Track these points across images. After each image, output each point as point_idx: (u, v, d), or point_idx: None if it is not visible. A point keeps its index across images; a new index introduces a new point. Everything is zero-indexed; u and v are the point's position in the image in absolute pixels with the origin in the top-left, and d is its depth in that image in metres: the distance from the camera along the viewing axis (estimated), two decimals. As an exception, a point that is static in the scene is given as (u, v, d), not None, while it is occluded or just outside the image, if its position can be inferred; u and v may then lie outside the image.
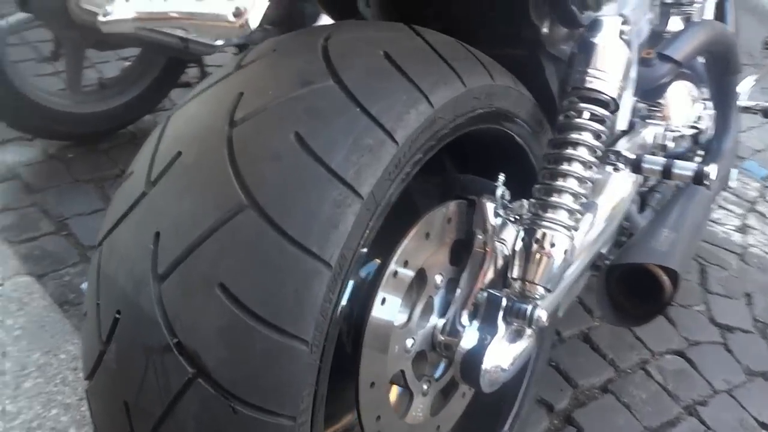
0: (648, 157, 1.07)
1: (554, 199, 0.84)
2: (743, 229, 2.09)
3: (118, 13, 0.65)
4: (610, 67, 0.88)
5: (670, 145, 1.33)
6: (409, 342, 0.83)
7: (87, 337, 0.68)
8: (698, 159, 1.58)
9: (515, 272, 0.84)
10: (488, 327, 0.84)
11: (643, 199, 1.49)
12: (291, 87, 0.68)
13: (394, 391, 0.86)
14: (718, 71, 1.50)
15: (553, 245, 0.83)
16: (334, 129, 0.65)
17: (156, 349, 0.61)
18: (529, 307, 0.83)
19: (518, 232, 0.84)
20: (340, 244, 0.61)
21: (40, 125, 1.65)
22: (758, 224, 2.15)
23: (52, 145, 1.75)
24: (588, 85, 0.87)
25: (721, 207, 2.17)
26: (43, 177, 1.64)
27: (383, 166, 0.65)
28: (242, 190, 0.62)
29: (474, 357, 0.82)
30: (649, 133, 1.30)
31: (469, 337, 0.84)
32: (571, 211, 0.85)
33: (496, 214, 0.87)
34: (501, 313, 0.84)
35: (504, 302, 0.84)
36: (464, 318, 0.86)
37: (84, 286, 1.30)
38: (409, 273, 0.80)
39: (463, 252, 0.90)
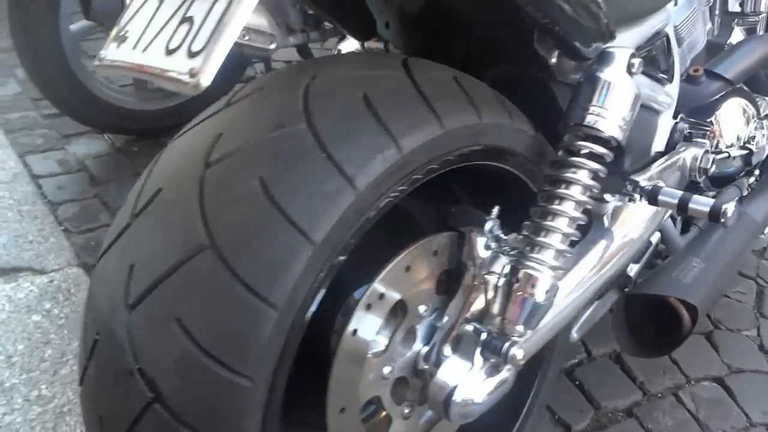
0: (666, 189, 1.03)
1: (541, 238, 0.84)
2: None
3: (110, 59, 0.70)
4: (613, 105, 0.86)
5: (714, 168, 1.26)
6: (386, 369, 0.86)
7: (80, 348, 0.76)
8: (753, 180, 1.49)
9: (496, 308, 0.85)
10: (465, 359, 0.85)
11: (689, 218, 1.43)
12: (265, 129, 0.71)
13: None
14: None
15: (533, 286, 0.82)
16: (297, 175, 0.68)
17: (123, 372, 0.67)
18: (506, 345, 0.83)
19: (503, 267, 0.85)
20: (289, 288, 0.65)
21: (107, 121, 1.77)
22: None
23: (119, 139, 1.88)
24: (588, 123, 0.85)
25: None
26: (107, 170, 1.77)
27: (339, 212, 0.67)
28: (205, 230, 0.66)
29: (446, 387, 0.83)
30: (688, 155, 1.24)
31: (446, 367, 0.85)
32: (558, 252, 0.84)
33: (487, 247, 0.88)
34: (479, 348, 0.85)
35: (482, 336, 0.85)
36: (447, 348, 0.88)
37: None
38: (384, 306, 0.82)
39: (454, 282, 0.91)
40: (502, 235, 0.88)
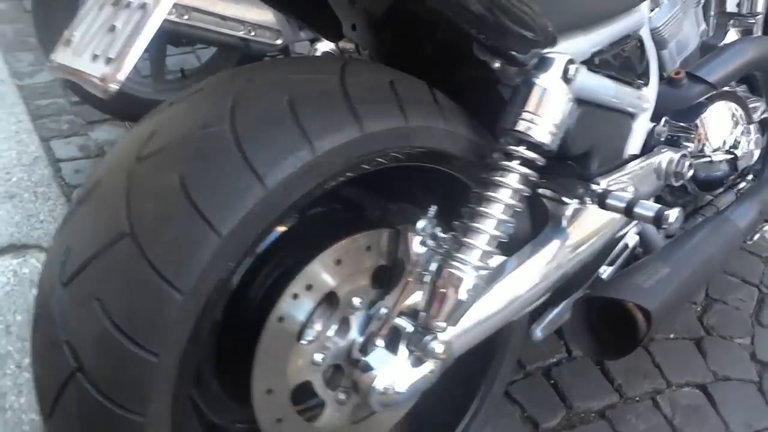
0: (614, 193, 1.03)
1: (467, 238, 0.87)
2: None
3: (57, 62, 0.77)
4: (545, 111, 0.88)
5: (691, 172, 1.25)
6: (318, 356, 0.91)
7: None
8: (743, 186, 1.47)
9: (422, 304, 0.88)
10: (391, 351, 0.89)
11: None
12: (193, 128, 0.77)
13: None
14: (775, 92, 1.37)
15: (455, 284, 0.86)
16: (213, 171, 0.73)
17: (55, 343, 0.75)
18: (427, 339, 0.87)
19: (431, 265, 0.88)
20: (195, 275, 0.71)
21: (125, 110, 1.87)
22: None
23: (139, 126, 1.98)
24: (519, 128, 0.87)
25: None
26: (125, 155, 1.87)
27: (247, 208, 0.72)
28: (127, 219, 0.73)
29: (369, 375, 0.88)
30: (664, 159, 1.23)
31: (372, 357, 0.90)
32: (484, 252, 0.87)
33: (423, 245, 0.91)
34: (405, 340, 0.89)
35: (408, 329, 0.89)
36: (379, 340, 0.92)
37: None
38: (312, 296, 0.87)
39: (392, 277, 0.95)
40: (439, 233, 0.91)
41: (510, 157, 0.88)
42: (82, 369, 0.72)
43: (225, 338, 0.88)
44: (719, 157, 1.32)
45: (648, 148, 1.26)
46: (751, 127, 1.36)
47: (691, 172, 1.25)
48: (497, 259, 1.01)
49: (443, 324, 0.87)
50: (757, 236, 1.45)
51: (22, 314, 1.29)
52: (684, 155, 1.24)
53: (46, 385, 0.76)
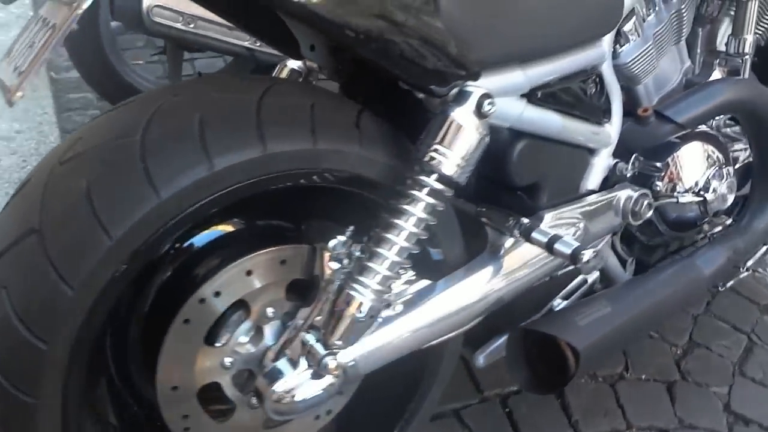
0: (540, 228, 1.04)
1: (369, 263, 0.90)
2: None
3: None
4: (455, 144, 0.90)
5: (649, 211, 1.23)
6: (227, 360, 0.96)
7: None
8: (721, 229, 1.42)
9: (323, 321, 0.92)
10: (292, 363, 0.93)
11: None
12: (110, 137, 0.84)
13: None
14: (756, 135, 1.33)
15: (350, 305, 0.89)
16: (115, 179, 0.80)
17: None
18: (323, 354, 0.91)
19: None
20: (86, 273, 0.77)
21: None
22: None
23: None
24: (426, 159, 0.90)
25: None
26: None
27: (140, 214, 0.78)
28: (39, 217, 0.80)
29: (267, 383, 0.92)
30: (622, 196, 1.22)
31: (274, 366, 0.94)
32: (385, 277, 0.90)
33: (336, 262, 0.94)
34: (306, 354, 0.93)
35: (311, 344, 0.92)
36: (288, 351, 0.96)
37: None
38: (220, 303, 0.92)
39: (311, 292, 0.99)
40: (356, 253, 0.94)
41: (419, 186, 0.90)
42: (-11, 351, 0.80)
43: (143, 335, 0.94)
44: (687, 198, 1.29)
45: (609, 185, 1.25)
46: (726, 170, 1.32)
47: (650, 212, 1.23)
48: (421, 283, 1.04)
49: (339, 342, 0.90)
50: (730, 283, 1.40)
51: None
52: (644, 194, 1.23)
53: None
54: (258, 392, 0.94)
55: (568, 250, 0.99)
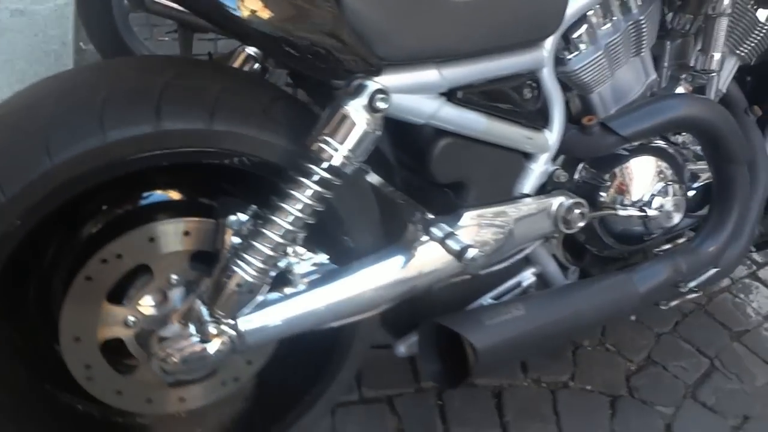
0: (440, 224, 1.06)
1: (254, 241, 0.95)
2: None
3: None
4: (342, 137, 0.93)
5: (580, 221, 1.22)
6: (131, 318, 1.03)
7: None
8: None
9: (211, 292, 0.98)
10: (184, 326, 1.00)
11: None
12: (27, 104, 0.92)
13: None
14: (712, 157, 1.30)
15: (232, 280, 0.95)
16: (19, 142, 0.88)
17: None
18: (206, 321, 0.97)
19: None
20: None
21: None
22: None
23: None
24: (314, 148, 0.94)
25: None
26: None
27: (32, 178, 0.86)
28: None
29: (157, 343, 0.99)
30: (554, 203, 1.22)
31: (168, 328, 1.01)
32: (268, 257, 0.95)
33: (239, 237, 1.00)
34: (196, 320, 0.99)
35: (199, 310, 0.99)
36: (185, 316, 1.03)
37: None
38: (122, 265, 0.99)
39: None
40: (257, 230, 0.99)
41: (307, 173, 0.94)
42: None
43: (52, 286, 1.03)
44: (628, 212, 1.27)
45: (547, 190, 1.25)
46: (675, 188, 1.29)
47: (582, 222, 1.23)
48: (327, 266, 1.08)
49: (222, 312, 0.96)
50: (675, 302, 1.37)
51: None
52: (578, 203, 1.22)
53: None
54: (149, 349, 1.01)
55: (456, 247, 1.01)
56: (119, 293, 1.02)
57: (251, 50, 1.29)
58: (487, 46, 1.06)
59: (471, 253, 1.00)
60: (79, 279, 0.98)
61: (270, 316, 1.02)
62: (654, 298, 1.31)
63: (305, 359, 1.21)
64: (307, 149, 0.94)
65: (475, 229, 1.15)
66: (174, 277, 1.04)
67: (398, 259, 1.10)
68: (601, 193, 1.28)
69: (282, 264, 1.02)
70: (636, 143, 1.27)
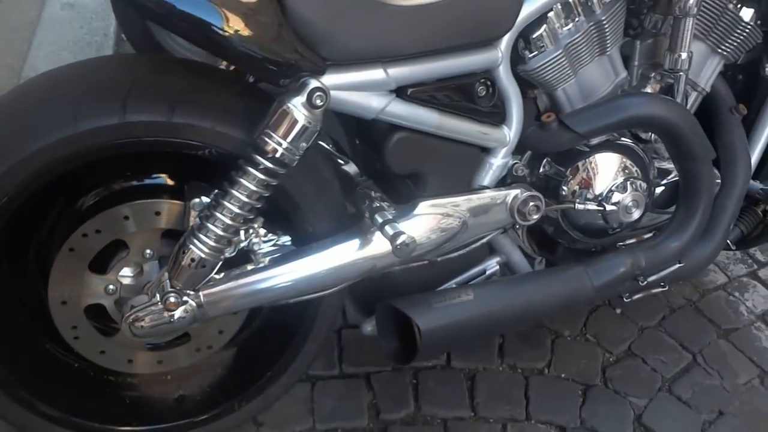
0: (383, 211, 1.14)
1: (207, 222, 1.07)
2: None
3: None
4: (282, 131, 1.03)
5: (535, 213, 1.27)
6: (111, 287, 1.17)
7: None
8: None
9: (170, 265, 1.11)
10: (151, 295, 1.13)
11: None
12: (20, 94, 1.07)
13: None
14: (675, 155, 1.32)
15: (185, 255, 1.07)
16: (8, 125, 1.02)
17: None
18: (167, 291, 1.09)
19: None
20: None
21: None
22: None
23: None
24: (257, 141, 1.04)
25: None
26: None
27: (13, 160, 1.00)
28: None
29: (128, 309, 1.13)
30: (510, 195, 1.28)
31: (138, 297, 1.14)
32: (218, 236, 1.06)
33: (202, 218, 1.12)
34: (160, 291, 1.12)
35: (165, 283, 1.11)
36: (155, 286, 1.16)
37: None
38: (100, 239, 1.13)
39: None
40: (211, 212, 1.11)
41: (252, 162, 1.05)
42: None
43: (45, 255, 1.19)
44: (585, 206, 1.31)
45: (506, 183, 1.31)
46: (635, 184, 1.31)
47: (537, 214, 1.28)
48: (286, 248, 1.19)
49: (178, 284, 1.09)
50: (638, 295, 1.39)
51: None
52: (533, 196, 1.27)
53: None
54: (121, 314, 1.15)
55: (391, 232, 1.09)
56: (102, 264, 1.17)
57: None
58: (435, 46, 1.13)
59: (402, 238, 1.08)
60: (64, 250, 1.13)
61: (229, 290, 1.13)
62: (611, 291, 1.34)
63: (275, 331, 1.33)
64: (253, 140, 1.05)
65: (428, 217, 1.23)
66: (148, 251, 1.17)
67: (350, 243, 1.19)
68: (562, 187, 1.33)
69: (244, 244, 1.14)
70: (598, 140, 1.31)
